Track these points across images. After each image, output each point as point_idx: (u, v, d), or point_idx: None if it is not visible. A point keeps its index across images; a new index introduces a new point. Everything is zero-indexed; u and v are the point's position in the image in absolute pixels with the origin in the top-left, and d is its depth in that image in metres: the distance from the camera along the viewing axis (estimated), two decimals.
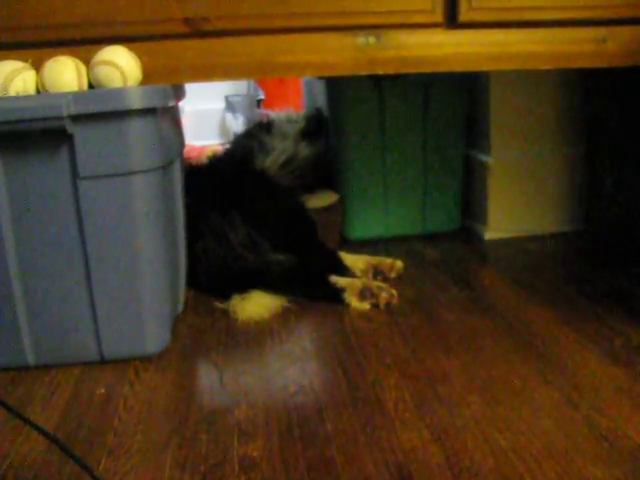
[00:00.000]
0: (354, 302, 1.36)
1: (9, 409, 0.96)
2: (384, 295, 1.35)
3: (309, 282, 1.41)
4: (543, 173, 1.76)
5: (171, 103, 1.19)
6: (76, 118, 1.02)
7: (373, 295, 1.35)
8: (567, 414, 0.93)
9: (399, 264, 1.53)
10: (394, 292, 1.36)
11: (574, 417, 0.92)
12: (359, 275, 1.49)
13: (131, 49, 1.11)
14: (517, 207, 1.77)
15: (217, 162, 1.76)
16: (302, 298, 1.39)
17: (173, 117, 1.30)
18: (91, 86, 1.10)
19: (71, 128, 1.02)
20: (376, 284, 1.39)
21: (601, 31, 1.21)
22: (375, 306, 1.34)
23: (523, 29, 1.20)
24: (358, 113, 1.71)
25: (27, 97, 1.05)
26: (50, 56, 1.08)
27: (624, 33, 1.21)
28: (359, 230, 1.81)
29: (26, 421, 0.93)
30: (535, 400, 0.97)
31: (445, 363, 1.10)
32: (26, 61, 1.09)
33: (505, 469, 0.82)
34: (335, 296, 1.38)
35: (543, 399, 0.97)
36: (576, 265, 1.57)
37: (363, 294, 1.36)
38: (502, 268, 1.58)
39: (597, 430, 0.89)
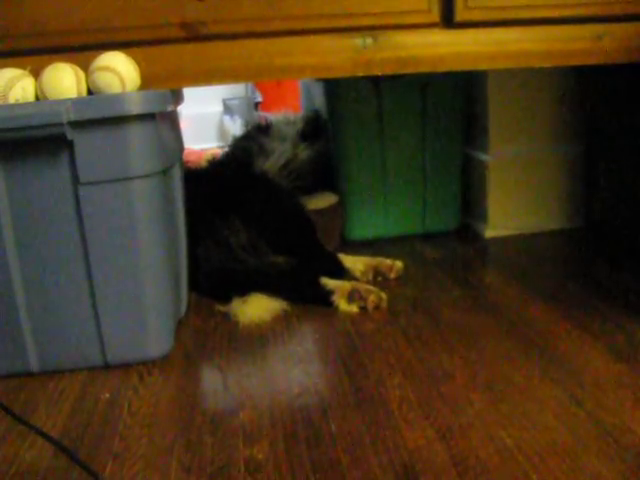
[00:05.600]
0: (342, 304, 1.35)
1: (14, 416, 0.96)
2: (372, 298, 1.34)
3: (300, 284, 1.41)
4: (542, 171, 1.77)
5: (170, 108, 1.19)
6: (76, 124, 1.03)
7: (361, 298, 1.35)
8: (571, 411, 0.93)
9: (399, 264, 1.53)
10: (383, 295, 1.36)
11: (578, 414, 0.92)
12: (359, 276, 1.50)
13: (129, 55, 1.11)
14: (517, 205, 1.77)
15: (217, 165, 1.77)
16: (294, 300, 1.39)
17: (172, 122, 1.30)
18: (90, 92, 1.10)
19: (71, 134, 1.03)
20: (365, 287, 1.38)
21: (598, 28, 1.21)
22: (363, 309, 1.34)
23: (520, 27, 1.21)
24: (357, 114, 1.71)
25: (27, 104, 1.05)
26: (48, 63, 1.09)
27: (621, 30, 1.22)
28: (359, 231, 1.81)
29: (31, 427, 0.94)
30: (539, 397, 0.97)
31: (448, 362, 1.10)
32: (25, 68, 1.09)
33: (510, 466, 0.82)
34: (324, 298, 1.37)
35: (547, 396, 0.98)
36: (577, 262, 1.58)
37: (351, 297, 1.35)
38: (503, 266, 1.58)
39: (601, 426, 0.89)
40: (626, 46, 1.22)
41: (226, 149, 1.98)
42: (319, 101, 1.94)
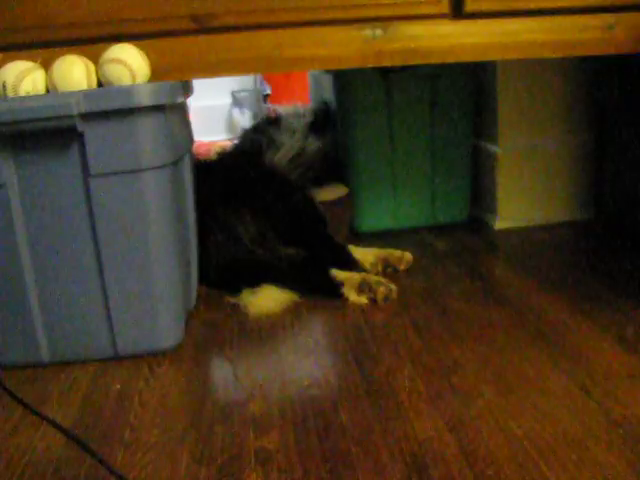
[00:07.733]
0: (352, 296, 1.36)
1: (27, 406, 0.97)
2: (382, 290, 1.34)
3: (310, 276, 1.41)
4: (552, 162, 1.76)
5: (180, 100, 1.19)
6: (86, 116, 1.03)
7: (371, 289, 1.35)
8: (581, 401, 0.93)
9: (408, 256, 1.53)
10: (393, 287, 1.36)
11: (588, 404, 0.92)
12: (368, 268, 1.50)
13: (139, 47, 1.12)
14: (526, 196, 1.77)
15: (226, 158, 1.77)
16: (304, 292, 1.39)
17: (182, 113, 1.31)
18: (100, 84, 1.11)
19: (81, 126, 1.03)
20: (375, 278, 1.38)
21: (609, 18, 1.20)
22: (373, 300, 1.34)
23: (530, 18, 1.20)
24: (366, 106, 1.71)
25: (37, 97, 1.06)
26: (59, 55, 1.09)
27: (632, 19, 1.21)
28: (368, 222, 1.81)
29: (43, 418, 0.95)
30: (549, 388, 0.97)
31: (458, 353, 1.10)
32: (35, 61, 1.09)
33: (520, 457, 0.82)
34: (334, 290, 1.37)
35: (556, 387, 0.98)
36: (587, 253, 1.57)
37: (361, 288, 1.35)
38: (513, 258, 1.58)
39: (611, 417, 0.89)
40: (637, 36, 1.21)
41: (235, 141, 1.98)
42: (328, 93, 1.93)
